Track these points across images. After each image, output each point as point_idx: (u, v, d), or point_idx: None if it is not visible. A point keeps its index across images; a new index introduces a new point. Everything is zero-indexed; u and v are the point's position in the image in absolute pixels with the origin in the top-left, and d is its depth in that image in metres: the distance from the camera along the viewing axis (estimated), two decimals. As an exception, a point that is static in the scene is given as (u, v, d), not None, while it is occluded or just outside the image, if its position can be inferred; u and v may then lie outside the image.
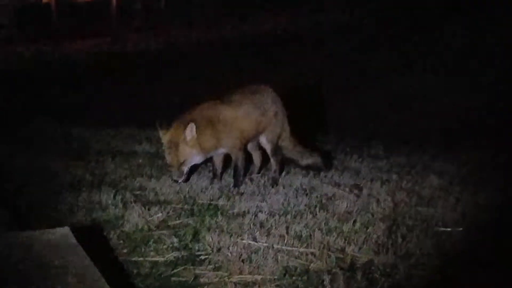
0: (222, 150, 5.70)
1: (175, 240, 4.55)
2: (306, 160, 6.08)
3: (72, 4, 21.66)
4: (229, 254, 4.31)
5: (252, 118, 5.68)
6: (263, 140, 5.89)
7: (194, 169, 5.80)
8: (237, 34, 20.53)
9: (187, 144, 5.33)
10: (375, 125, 9.25)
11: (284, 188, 5.73)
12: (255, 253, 4.35)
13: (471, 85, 11.82)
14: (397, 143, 7.85)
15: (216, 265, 4.20)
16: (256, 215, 5.00)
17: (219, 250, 4.39)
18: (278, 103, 5.88)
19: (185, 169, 5.47)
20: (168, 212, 5.05)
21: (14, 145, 7.09)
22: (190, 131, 5.29)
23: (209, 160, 5.85)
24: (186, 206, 5.21)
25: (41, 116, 9.55)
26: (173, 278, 4.05)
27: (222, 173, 5.96)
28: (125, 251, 4.39)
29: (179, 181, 5.49)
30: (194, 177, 5.86)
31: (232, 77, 11.56)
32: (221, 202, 5.32)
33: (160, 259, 4.28)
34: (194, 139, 5.33)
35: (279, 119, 5.86)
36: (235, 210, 5.15)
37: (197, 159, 5.50)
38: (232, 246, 4.43)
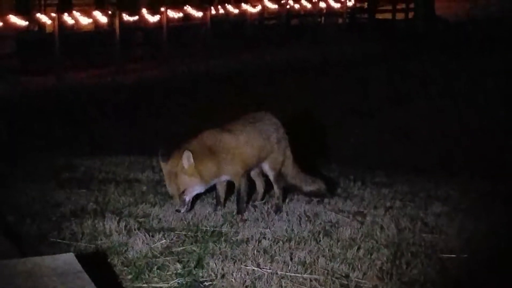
0: (225, 178, 5.71)
1: (179, 266, 4.54)
2: (309, 187, 6.07)
3: (75, 34, 21.79)
4: (233, 281, 4.30)
5: (254, 145, 5.69)
6: (266, 167, 5.88)
7: (197, 196, 5.79)
8: (240, 63, 20.67)
9: (186, 173, 5.34)
10: (377, 154, 9.26)
11: (287, 215, 5.71)
12: (259, 279, 4.35)
13: (472, 113, 11.88)
14: (400, 171, 7.85)
15: (220, 291, 4.19)
16: (259, 242, 4.99)
17: (223, 276, 4.38)
18: (280, 129, 5.89)
19: (187, 198, 5.47)
20: (171, 239, 5.04)
21: (16, 176, 7.09)
22: (187, 160, 5.30)
23: (212, 187, 5.84)
24: (189, 233, 5.20)
25: (44, 146, 9.59)
26: (177, 305, 4.05)
27: (225, 200, 5.96)
28: (129, 277, 4.37)
29: (182, 211, 5.49)
30: (197, 204, 5.86)
31: (235, 105, 11.62)
32: (224, 229, 5.31)
33: (164, 285, 4.27)
34: (193, 167, 5.34)
35: (281, 146, 5.86)
36: (239, 237, 5.14)
37: (199, 188, 5.51)
38: (236, 272, 4.42)
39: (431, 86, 15.32)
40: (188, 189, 5.43)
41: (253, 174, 6.00)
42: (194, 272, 4.45)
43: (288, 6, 27.70)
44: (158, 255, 4.75)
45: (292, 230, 5.29)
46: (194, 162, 5.31)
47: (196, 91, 15.81)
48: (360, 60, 20.39)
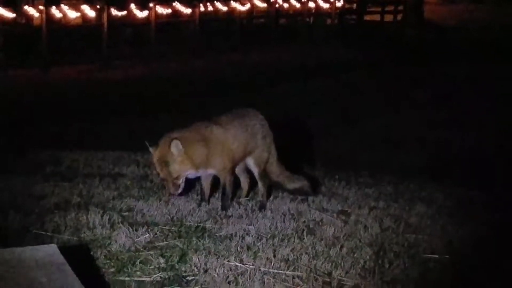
0: (211, 172, 5.70)
1: (162, 260, 4.54)
2: (293, 184, 6.07)
3: (63, 28, 21.68)
4: (216, 276, 4.31)
5: (241, 139, 5.69)
6: (251, 163, 5.89)
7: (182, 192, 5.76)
8: (227, 63, 20.66)
9: (176, 161, 5.32)
10: (363, 157, 9.29)
11: (271, 212, 5.72)
12: (241, 275, 4.36)
13: (459, 121, 11.95)
14: (385, 173, 7.87)
15: (203, 286, 4.20)
16: (243, 238, 5.01)
17: (205, 271, 4.39)
18: (265, 126, 5.90)
19: (180, 182, 5.44)
20: (155, 233, 5.04)
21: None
22: (176, 148, 5.28)
23: (197, 183, 5.84)
24: (173, 228, 5.20)
25: (28, 141, 9.55)
26: (159, 298, 4.05)
27: (209, 196, 5.96)
28: (111, 270, 4.37)
29: (176, 194, 5.46)
30: (181, 200, 5.84)
31: (219, 104, 11.62)
32: (208, 225, 5.32)
33: (146, 279, 4.27)
34: (183, 154, 5.33)
35: (266, 142, 5.87)
36: (223, 233, 5.15)
37: (190, 172, 5.49)
38: (219, 268, 4.43)
39: (419, 92, 15.40)
40: (181, 174, 5.41)
41: (238, 171, 6.00)
42: (177, 267, 4.46)
43: (277, 5, 27.68)
44: (141, 249, 4.75)
45: (276, 227, 5.31)
46: (184, 148, 5.30)
47: (182, 89, 15.79)
48: (349, 64, 20.41)
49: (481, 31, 28.88)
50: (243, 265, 4.49)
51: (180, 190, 5.46)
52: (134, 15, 22.33)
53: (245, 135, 5.72)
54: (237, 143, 5.67)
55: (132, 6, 22.35)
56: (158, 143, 5.38)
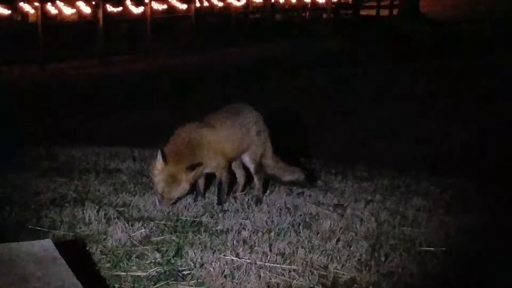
0: (207, 170, 5.70)
1: (158, 255, 4.52)
2: (289, 176, 6.09)
3: (59, 25, 21.64)
4: (212, 270, 4.30)
5: (235, 138, 5.67)
6: (246, 159, 5.88)
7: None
8: (223, 58, 20.66)
9: (187, 182, 5.34)
10: (359, 151, 9.30)
11: (267, 206, 5.71)
12: (237, 269, 4.34)
13: (455, 113, 11.97)
14: (381, 167, 7.88)
15: (199, 280, 4.18)
16: (239, 232, 4.99)
17: (201, 265, 4.37)
18: (260, 122, 5.89)
19: (174, 201, 5.49)
20: (151, 228, 5.02)
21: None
22: (195, 172, 5.32)
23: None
24: (169, 223, 5.19)
25: (24, 136, 9.52)
26: (155, 293, 4.03)
27: (205, 191, 5.95)
28: (107, 265, 4.36)
29: (166, 210, 5.46)
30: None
31: (216, 99, 11.61)
32: (204, 219, 5.31)
33: (142, 274, 4.26)
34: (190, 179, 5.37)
35: (261, 138, 5.86)
36: (219, 227, 5.14)
37: (187, 191, 5.51)
38: (215, 262, 4.41)
39: (415, 86, 15.42)
40: (181, 195, 5.45)
41: (234, 165, 5.99)
42: (173, 261, 4.45)
43: (273, 0, 27.66)
44: (137, 244, 4.73)
45: (272, 221, 5.30)
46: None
47: (178, 84, 15.78)
48: (344, 58, 20.42)
49: (479, 25, 28.87)
50: (239, 259, 4.48)
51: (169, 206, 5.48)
52: (130, 11, 22.31)
53: (238, 134, 5.69)
54: (231, 142, 5.65)
55: (128, 2, 22.30)
56: (169, 157, 5.33)
